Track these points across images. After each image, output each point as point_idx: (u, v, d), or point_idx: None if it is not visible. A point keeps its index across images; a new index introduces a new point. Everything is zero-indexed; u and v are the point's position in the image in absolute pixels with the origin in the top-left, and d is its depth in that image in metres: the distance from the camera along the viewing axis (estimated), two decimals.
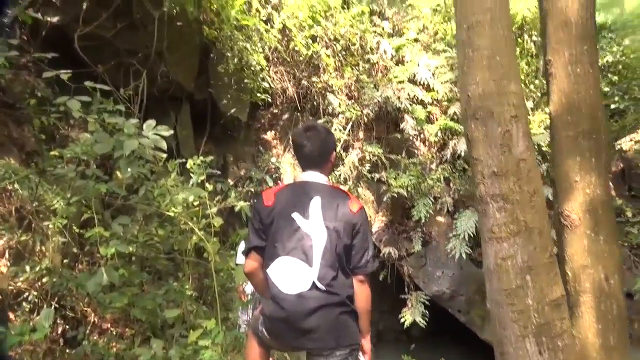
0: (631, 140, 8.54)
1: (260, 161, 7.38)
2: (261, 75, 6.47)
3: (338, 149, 6.90)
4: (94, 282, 2.45)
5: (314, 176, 2.04)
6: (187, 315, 4.37)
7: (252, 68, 6.07)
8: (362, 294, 1.95)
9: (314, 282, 1.84)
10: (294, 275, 1.85)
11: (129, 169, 2.54)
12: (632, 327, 6.42)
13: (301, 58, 6.89)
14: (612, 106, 7.35)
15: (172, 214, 3.29)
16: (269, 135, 7.96)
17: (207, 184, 3.67)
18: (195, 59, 6.71)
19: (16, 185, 3.58)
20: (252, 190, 7.06)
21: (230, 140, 7.51)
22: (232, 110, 6.88)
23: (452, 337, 6.60)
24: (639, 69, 7.53)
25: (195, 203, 3.66)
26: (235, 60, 6.15)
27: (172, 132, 2.70)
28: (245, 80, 6.18)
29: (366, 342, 2.03)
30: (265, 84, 6.53)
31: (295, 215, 1.90)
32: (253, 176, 6.92)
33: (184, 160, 3.89)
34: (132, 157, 2.57)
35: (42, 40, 5.31)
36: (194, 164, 3.63)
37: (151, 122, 2.69)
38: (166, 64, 6.32)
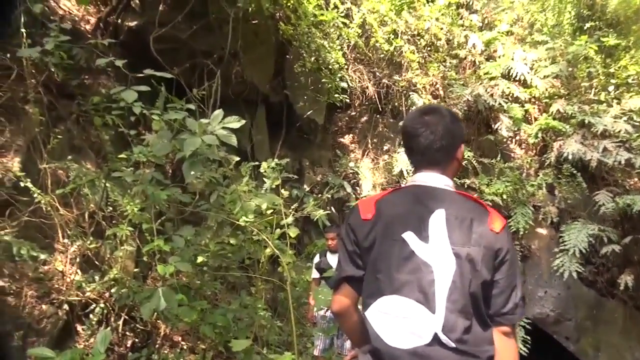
0: None
1: (337, 166, 6.97)
2: (339, 75, 6.06)
3: None
4: (149, 307, 2.10)
5: (435, 179, 1.45)
6: (260, 331, 4.02)
7: (330, 67, 5.68)
8: (506, 352, 1.34)
9: (436, 335, 1.26)
10: (406, 324, 1.28)
11: (192, 172, 2.18)
12: None
13: (382, 55, 6.42)
14: None
15: (243, 223, 2.92)
16: (347, 139, 7.53)
17: (282, 190, 3.29)
18: (271, 59, 6.47)
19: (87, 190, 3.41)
20: (330, 197, 6.67)
21: (306, 144, 7.17)
22: (309, 113, 6.54)
23: None
24: None
25: (269, 211, 3.29)
26: (312, 59, 5.80)
27: (244, 122, 2.32)
28: (323, 80, 5.80)
29: None
30: (344, 84, 6.11)
31: (408, 236, 1.34)
32: (330, 182, 6.51)
33: (257, 163, 3.54)
34: (196, 158, 2.21)
35: (119, 44, 5.29)
36: (268, 167, 3.26)
37: (218, 113, 2.32)
38: (241, 65, 6.12)
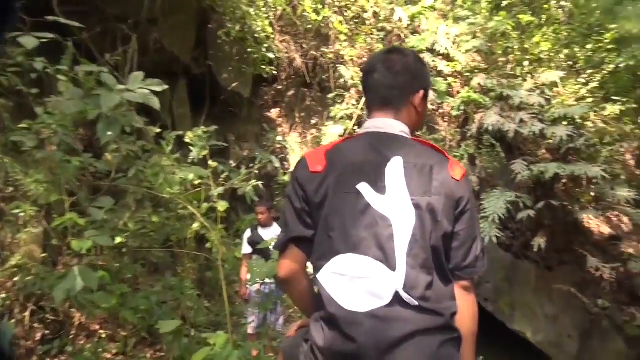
0: None
1: (264, 141, 6.78)
2: (266, 45, 5.82)
3: (351, 125, 6.30)
4: (63, 289, 1.84)
5: (389, 124, 1.33)
6: (187, 313, 3.83)
7: (256, 36, 5.42)
8: (467, 308, 1.25)
9: (397, 294, 1.15)
10: (364, 284, 1.16)
11: (109, 133, 1.93)
12: None
13: (309, 26, 6.24)
14: None
15: (167, 196, 2.70)
16: (274, 113, 7.35)
17: (209, 162, 3.08)
18: (192, 27, 6.07)
19: None
20: (257, 172, 6.49)
21: (231, 118, 6.90)
22: (234, 85, 6.26)
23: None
24: None
25: (196, 183, 3.08)
26: (237, 27, 5.51)
27: (166, 87, 2.09)
28: (249, 50, 5.55)
29: None
30: (271, 55, 5.88)
31: (363, 187, 1.22)
32: (257, 157, 6.32)
33: (181, 133, 3.29)
34: (113, 118, 1.96)
35: (20, 8, 4.69)
36: (194, 135, 3.03)
37: (138, 74, 2.07)
38: (160, 33, 5.70)
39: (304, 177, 1.29)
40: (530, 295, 5.68)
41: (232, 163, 6.31)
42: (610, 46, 6.40)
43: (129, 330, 4.05)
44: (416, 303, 1.14)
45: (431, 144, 1.34)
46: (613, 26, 6.38)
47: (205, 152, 3.05)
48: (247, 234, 4.31)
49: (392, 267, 1.16)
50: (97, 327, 3.88)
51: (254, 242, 4.04)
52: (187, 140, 3.07)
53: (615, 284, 5.83)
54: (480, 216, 5.40)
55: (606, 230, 6.77)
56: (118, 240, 3.44)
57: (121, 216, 3.62)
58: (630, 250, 6.42)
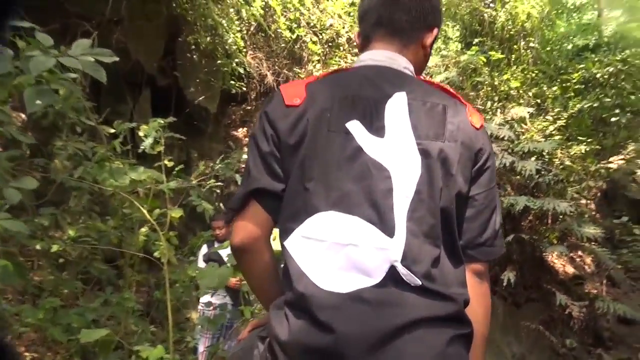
0: (623, 159, 8.15)
1: (229, 159, 6.47)
2: (237, 60, 5.62)
3: None
4: None
5: (391, 58, 1.04)
6: (130, 337, 3.39)
7: (227, 47, 5.22)
8: (479, 301, 0.96)
9: (393, 270, 0.85)
10: (348, 255, 0.86)
11: (38, 102, 1.61)
12: (635, 356, 5.84)
13: (283, 44, 6.10)
14: (613, 119, 6.88)
15: (111, 189, 2.36)
16: (240, 133, 7.09)
17: (165, 161, 2.77)
18: (161, 35, 5.82)
19: None
20: (218, 191, 6.14)
21: (196, 134, 6.58)
22: (201, 99, 5.99)
23: None
24: (637, 80, 7.14)
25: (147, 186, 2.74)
26: (208, 38, 5.29)
27: (117, 59, 1.80)
28: (219, 62, 5.31)
29: None
30: (241, 70, 5.68)
31: (354, 127, 0.93)
32: (220, 174, 5.99)
33: (134, 125, 2.96)
34: (44, 85, 1.65)
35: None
36: (149, 128, 2.72)
37: (85, 41, 1.78)
38: (124, 36, 5.41)
39: (276, 112, 0.98)
40: (498, 332, 5.47)
41: (193, 180, 5.96)
42: (577, 86, 6.55)
43: (61, 354, 3.56)
44: (419, 282, 0.85)
45: (442, 86, 1.07)
46: (581, 66, 6.55)
47: (160, 148, 2.73)
48: (203, 250, 3.95)
49: (389, 232, 0.87)
50: (23, 349, 3.38)
51: (210, 259, 3.68)
52: (141, 133, 2.75)
53: (582, 324, 5.72)
54: None
55: (570, 270, 6.75)
56: (55, 248, 3.04)
57: (62, 222, 3.24)
58: (594, 291, 6.39)
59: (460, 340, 0.87)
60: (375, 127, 0.93)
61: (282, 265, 0.95)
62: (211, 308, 3.13)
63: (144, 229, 2.73)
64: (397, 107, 0.95)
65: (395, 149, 0.92)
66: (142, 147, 2.61)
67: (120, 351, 2.58)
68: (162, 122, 2.66)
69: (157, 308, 4.81)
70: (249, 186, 0.97)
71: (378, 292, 0.84)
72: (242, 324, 3.80)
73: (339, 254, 0.87)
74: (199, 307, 3.71)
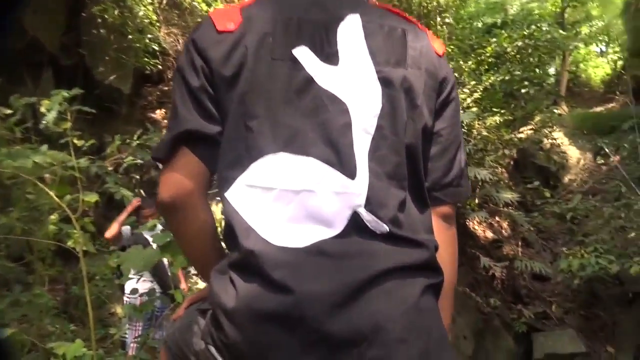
0: (531, 129, 8.72)
1: (148, 143, 6.08)
2: (150, 35, 5.23)
3: None
4: None
5: None
6: (48, 339, 3.07)
7: (138, 21, 4.83)
8: (447, 248, 0.87)
9: (356, 217, 0.75)
10: (302, 203, 0.75)
11: None
12: (549, 309, 6.35)
13: (199, 19, 5.77)
14: (523, 90, 7.31)
15: (12, 172, 2.07)
16: (158, 114, 6.67)
17: (74, 140, 2.48)
18: (62, 9, 5.28)
19: None
20: (138, 177, 5.78)
21: (108, 118, 6.09)
22: (111, 79, 5.53)
23: None
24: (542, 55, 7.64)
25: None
26: (116, 11, 4.86)
27: None
28: (130, 37, 4.91)
29: None
30: (155, 46, 5.31)
31: (303, 54, 0.79)
32: (138, 159, 5.61)
33: (34, 100, 2.62)
34: None
35: None
36: (52, 102, 2.40)
37: None
38: (20, 13, 4.84)
39: (205, 39, 0.81)
40: None
41: (109, 166, 5.53)
42: (491, 59, 6.85)
43: None
44: (386, 228, 0.75)
45: (398, 10, 0.94)
46: (493, 40, 6.85)
47: (66, 125, 2.44)
48: (126, 231, 3.66)
49: (350, 173, 0.76)
50: None
51: (136, 243, 3.41)
52: (42, 109, 2.43)
53: (503, 283, 6.10)
54: None
55: (490, 234, 7.16)
56: None
57: None
58: (512, 253, 6.83)
59: (433, 290, 0.79)
60: (327, 53, 0.80)
61: (222, 224, 0.81)
62: (137, 295, 2.89)
63: (53, 216, 2.44)
64: (351, 30, 0.82)
65: (351, 78, 0.80)
66: (43, 123, 2.30)
67: (35, 353, 2.31)
68: (67, 94, 2.37)
69: (77, 305, 4.45)
70: (177, 128, 0.81)
71: (340, 244, 0.73)
72: (173, 311, 3.58)
73: (291, 202, 0.75)
74: (125, 297, 3.44)
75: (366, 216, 0.75)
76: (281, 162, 0.76)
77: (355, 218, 0.75)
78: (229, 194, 0.78)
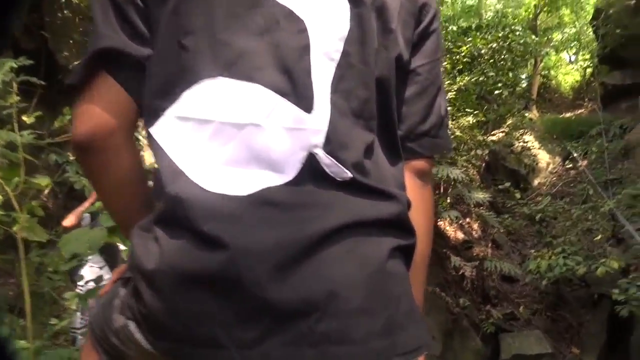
0: (503, 132, 8.82)
1: None
2: None
3: None
4: None
5: None
6: None
7: None
8: (423, 208, 0.75)
9: (312, 160, 0.61)
10: (246, 139, 0.60)
11: None
12: (517, 310, 6.38)
13: None
14: (496, 92, 7.37)
15: None
16: None
17: (27, 116, 2.29)
18: None
19: None
20: None
21: (71, 104, 5.84)
22: (76, 63, 5.29)
23: None
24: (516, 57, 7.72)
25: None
26: None
27: None
28: None
29: None
30: None
31: None
32: None
33: None
34: None
35: None
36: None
37: None
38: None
39: None
40: None
41: (70, 155, 5.28)
42: (466, 59, 6.87)
43: None
44: (348, 174, 0.62)
45: None
46: (469, 39, 6.87)
47: (13, 100, 2.24)
48: (86, 219, 3.47)
49: (306, 105, 0.62)
50: None
51: None
52: None
53: (473, 284, 6.10)
54: None
55: (460, 235, 7.17)
56: None
57: None
58: (482, 254, 6.85)
59: (402, 253, 0.65)
60: None
61: (149, 164, 0.68)
62: (84, 282, 2.67)
63: None
64: None
65: None
66: None
67: None
68: (15, 63, 2.18)
69: (35, 298, 4.20)
70: (97, 45, 0.64)
71: (291, 192, 0.60)
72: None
73: (232, 140, 0.60)
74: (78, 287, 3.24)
75: (324, 159, 0.61)
76: (221, 88, 0.61)
77: (310, 161, 0.61)
78: (155, 130, 0.63)
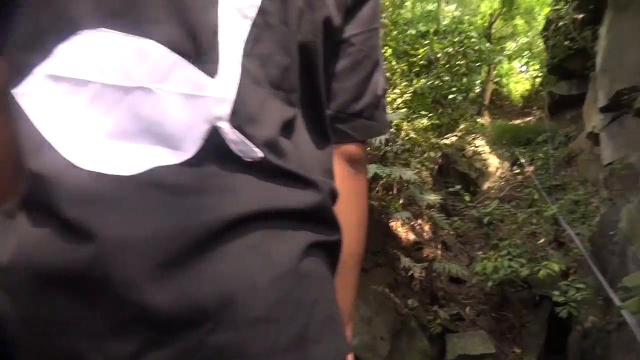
0: (456, 135, 9.00)
1: None
2: None
3: None
4: None
5: None
6: None
7: None
8: (355, 201, 0.67)
9: (215, 133, 0.49)
10: (134, 106, 0.47)
11: None
12: (463, 310, 6.50)
13: None
14: (450, 96, 7.49)
15: None
16: None
17: None
18: None
19: None
20: None
21: None
22: None
23: None
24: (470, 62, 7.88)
25: None
26: None
27: None
28: None
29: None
30: None
31: None
32: None
33: None
34: None
35: None
36: None
37: None
38: None
39: None
40: None
41: None
42: (422, 62, 6.94)
43: None
44: (259, 153, 0.52)
45: None
46: (426, 42, 6.94)
47: None
48: None
49: (209, 68, 0.51)
50: None
51: None
52: None
53: (422, 284, 6.16)
54: None
55: (412, 236, 7.23)
56: None
57: None
58: (431, 255, 6.94)
59: (322, 251, 0.55)
60: None
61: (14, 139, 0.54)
62: None
63: None
64: None
65: None
66: None
67: None
68: None
69: None
70: None
71: (188, 173, 0.48)
72: None
73: (117, 106, 0.48)
74: None
75: (230, 134, 0.50)
76: (104, 43, 0.49)
77: (213, 136, 0.50)
78: (20, 91, 0.50)
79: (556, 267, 5.52)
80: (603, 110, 7.07)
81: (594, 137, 7.57)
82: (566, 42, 8.39)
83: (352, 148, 0.67)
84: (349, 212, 0.63)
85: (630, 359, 4.85)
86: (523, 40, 13.98)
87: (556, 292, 5.26)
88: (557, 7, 8.36)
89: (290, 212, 0.52)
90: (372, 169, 5.25)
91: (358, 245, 0.69)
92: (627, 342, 5.12)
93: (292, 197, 0.53)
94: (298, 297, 0.50)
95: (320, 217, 0.56)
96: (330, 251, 0.57)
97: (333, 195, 0.59)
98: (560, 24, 8.31)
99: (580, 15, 8.13)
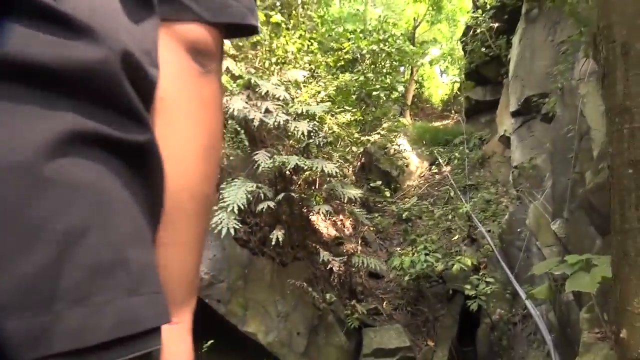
0: (378, 134, 9.12)
1: None
2: None
3: None
4: None
5: None
6: None
7: None
8: (199, 109, 0.43)
9: None
10: None
11: None
12: (381, 305, 6.56)
13: None
14: (374, 93, 7.53)
15: None
16: None
17: None
18: None
19: None
20: None
21: None
22: None
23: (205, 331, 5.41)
24: (394, 61, 8.00)
25: None
26: None
27: None
28: None
29: (187, 333, 0.51)
30: None
31: None
32: None
33: None
34: None
35: None
36: None
37: None
38: None
39: None
40: (265, 292, 5.40)
41: None
42: (347, 56, 6.90)
43: None
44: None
45: None
46: (351, 37, 6.91)
47: None
48: None
49: None
50: None
51: None
52: None
53: (340, 280, 6.11)
54: (219, 206, 4.86)
55: (332, 232, 7.19)
56: None
57: None
58: (351, 250, 6.94)
59: (105, 154, 0.35)
60: None
61: None
62: None
63: None
64: None
65: None
66: None
67: None
68: None
69: None
70: None
71: None
72: None
73: None
74: None
75: None
76: None
77: None
78: None
79: (468, 262, 5.70)
80: (514, 114, 7.46)
81: (506, 140, 7.98)
82: (483, 49, 8.78)
83: (196, 31, 0.47)
84: (188, 127, 0.45)
85: (532, 349, 5.11)
86: (445, 46, 14.58)
87: (468, 286, 5.41)
88: (475, 14, 8.72)
89: (42, 71, 0.32)
90: (294, 160, 5.12)
91: (203, 181, 0.48)
92: (530, 333, 5.40)
93: (51, 49, 0.33)
94: (36, 218, 0.31)
95: (103, 91, 0.36)
96: (126, 159, 0.37)
97: (131, 66, 0.38)
98: (478, 31, 8.68)
99: (496, 24, 8.56)
